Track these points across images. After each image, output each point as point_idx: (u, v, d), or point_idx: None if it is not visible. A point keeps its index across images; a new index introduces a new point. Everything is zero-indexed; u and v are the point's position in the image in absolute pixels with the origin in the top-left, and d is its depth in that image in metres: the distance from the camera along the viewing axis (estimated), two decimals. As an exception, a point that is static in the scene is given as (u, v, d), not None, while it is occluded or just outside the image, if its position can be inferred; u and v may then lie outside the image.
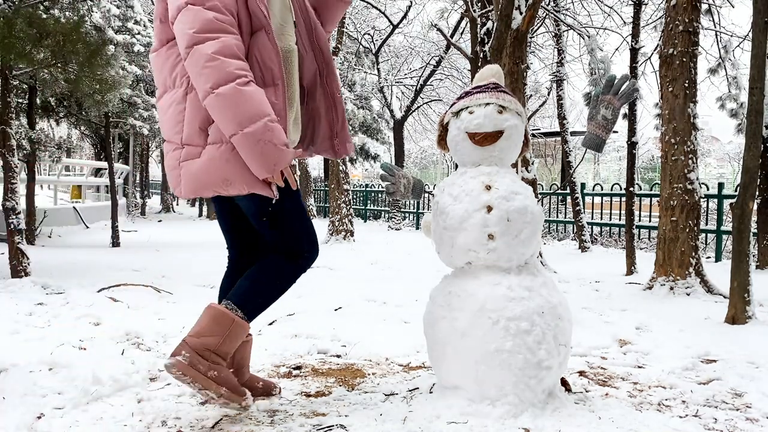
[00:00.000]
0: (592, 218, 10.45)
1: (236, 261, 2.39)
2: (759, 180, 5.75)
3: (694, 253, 5.04)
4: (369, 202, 16.64)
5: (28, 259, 5.52)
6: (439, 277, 2.39)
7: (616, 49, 9.97)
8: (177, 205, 24.87)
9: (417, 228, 13.25)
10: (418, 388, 2.45)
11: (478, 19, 7.53)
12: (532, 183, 6.44)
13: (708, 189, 8.90)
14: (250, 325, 2.18)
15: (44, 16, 5.37)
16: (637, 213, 8.33)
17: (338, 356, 3.12)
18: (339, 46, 10.15)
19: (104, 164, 12.45)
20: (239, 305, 2.13)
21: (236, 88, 1.93)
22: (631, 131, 7.27)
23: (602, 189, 10.98)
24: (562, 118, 9.82)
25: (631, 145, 7.20)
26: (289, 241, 2.22)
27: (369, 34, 16.98)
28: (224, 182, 2.05)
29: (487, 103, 2.20)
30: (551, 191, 11.25)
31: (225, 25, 1.97)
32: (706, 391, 2.55)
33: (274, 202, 2.09)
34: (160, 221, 16.35)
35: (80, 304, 4.34)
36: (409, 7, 15.77)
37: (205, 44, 1.94)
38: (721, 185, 8.36)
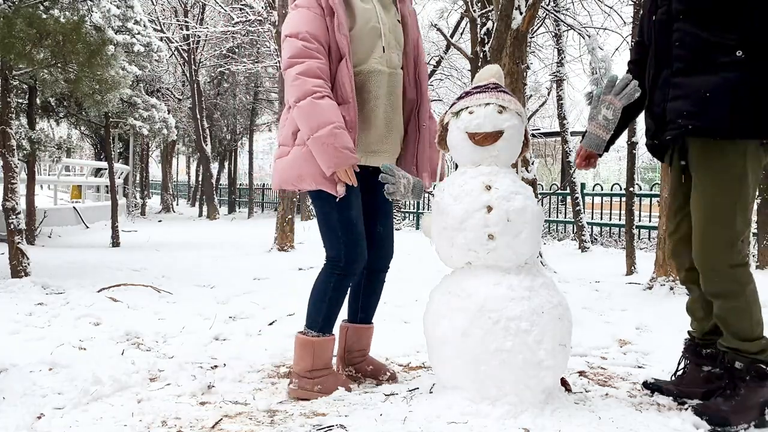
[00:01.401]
0: (592, 218, 10.44)
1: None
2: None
3: (694, 253, 5.04)
4: (369, 202, 16.58)
5: (28, 259, 5.52)
6: (439, 277, 2.39)
7: (616, 49, 9.96)
8: (177, 205, 24.88)
9: (417, 228, 13.25)
10: (418, 388, 2.45)
11: (478, 19, 7.53)
12: (532, 183, 6.44)
13: (708, 189, 8.87)
14: (333, 334, 2.59)
15: (44, 16, 5.37)
16: (637, 213, 8.32)
17: (338, 356, 3.11)
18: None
19: (104, 164, 12.45)
20: (308, 326, 2.55)
21: (311, 101, 2.34)
22: (631, 131, 7.27)
23: (602, 189, 10.98)
24: (562, 118, 9.81)
25: (631, 145, 7.19)
26: (324, 244, 2.56)
27: (369, 34, 16.95)
28: (298, 177, 2.46)
29: (487, 103, 2.20)
30: (551, 191, 11.25)
31: (312, 51, 2.38)
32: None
33: (337, 201, 2.44)
34: (160, 221, 16.36)
35: (80, 304, 4.35)
36: (409, 7, 15.73)
37: (294, 67, 2.39)
38: (721, 185, 8.33)
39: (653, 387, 2.48)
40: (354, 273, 2.55)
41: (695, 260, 2.20)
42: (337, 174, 2.38)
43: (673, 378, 2.50)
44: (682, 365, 2.50)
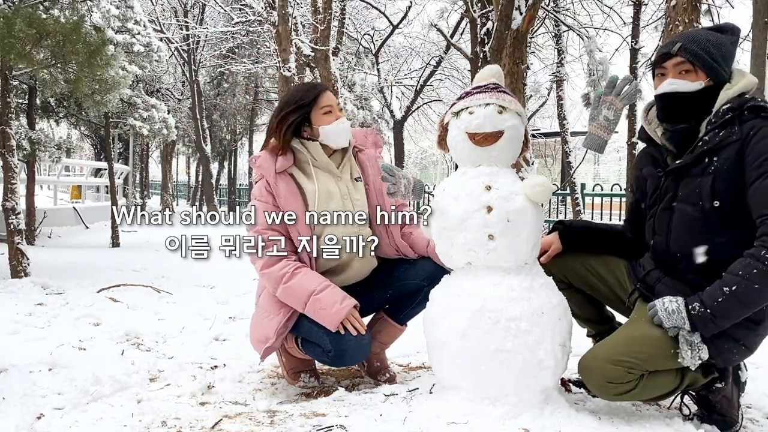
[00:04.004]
0: (592, 218, 10.44)
1: None
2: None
3: (694, 254, 5.03)
4: (369, 202, 16.56)
5: (27, 259, 5.52)
6: (439, 277, 2.38)
7: (616, 50, 9.96)
8: (177, 205, 24.88)
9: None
10: (418, 388, 2.45)
11: (478, 19, 7.53)
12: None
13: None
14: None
15: (44, 16, 5.37)
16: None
17: (338, 356, 3.11)
18: (339, 46, 10.14)
19: (104, 164, 12.44)
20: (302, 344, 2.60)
21: (283, 288, 2.43)
22: (631, 131, 7.28)
23: (602, 189, 10.98)
24: (562, 118, 9.83)
25: (631, 146, 7.21)
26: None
27: (369, 34, 16.98)
28: (257, 344, 2.62)
29: (487, 104, 2.20)
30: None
31: (269, 242, 2.48)
32: (706, 392, 2.54)
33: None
34: (160, 221, 16.33)
35: (80, 305, 4.35)
36: (409, 7, 15.76)
37: (256, 264, 2.56)
38: (721, 185, 8.32)
39: (580, 385, 2.48)
40: (344, 363, 2.53)
41: (600, 369, 2.06)
42: (343, 325, 2.37)
43: None
44: None
